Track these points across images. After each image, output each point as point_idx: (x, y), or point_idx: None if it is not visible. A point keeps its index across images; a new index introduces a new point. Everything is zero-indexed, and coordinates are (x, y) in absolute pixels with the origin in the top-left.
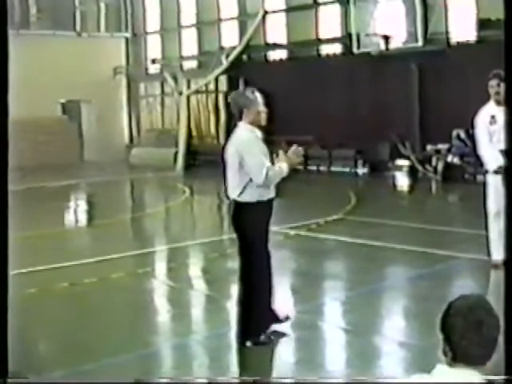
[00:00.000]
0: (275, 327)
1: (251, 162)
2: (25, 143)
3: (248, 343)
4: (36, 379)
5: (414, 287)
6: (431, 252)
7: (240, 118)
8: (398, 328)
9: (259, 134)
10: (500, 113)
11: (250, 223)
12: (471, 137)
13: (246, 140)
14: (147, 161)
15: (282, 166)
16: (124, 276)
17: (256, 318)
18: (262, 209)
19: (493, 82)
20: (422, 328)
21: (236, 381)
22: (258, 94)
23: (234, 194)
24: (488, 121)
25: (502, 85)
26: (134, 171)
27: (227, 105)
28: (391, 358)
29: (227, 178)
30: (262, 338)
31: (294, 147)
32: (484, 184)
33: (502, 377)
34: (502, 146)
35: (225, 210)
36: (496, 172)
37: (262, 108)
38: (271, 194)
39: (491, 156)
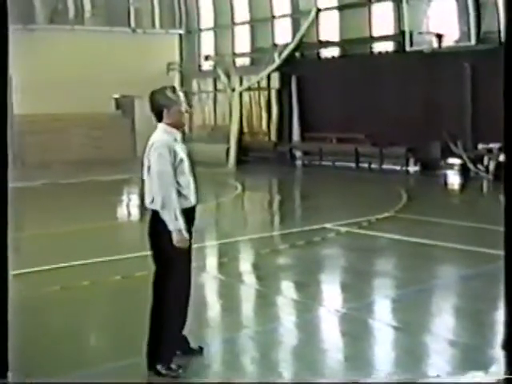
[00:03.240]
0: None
1: (155, 173)
2: (79, 138)
3: (159, 367)
4: (36, 379)
5: (465, 286)
6: (483, 251)
7: (160, 119)
8: (449, 327)
9: (179, 136)
10: None
11: (164, 235)
12: None
13: (157, 146)
14: (199, 156)
15: (178, 224)
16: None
17: (166, 344)
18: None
19: None
20: (473, 327)
21: (237, 381)
22: (180, 93)
23: (147, 200)
24: None
25: None
26: None
27: (280, 102)
28: (441, 356)
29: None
30: (173, 366)
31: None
32: None
33: None
34: None
35: (276, 206)
36: None
37: (185, 107)
38: (190, 201)
39: None
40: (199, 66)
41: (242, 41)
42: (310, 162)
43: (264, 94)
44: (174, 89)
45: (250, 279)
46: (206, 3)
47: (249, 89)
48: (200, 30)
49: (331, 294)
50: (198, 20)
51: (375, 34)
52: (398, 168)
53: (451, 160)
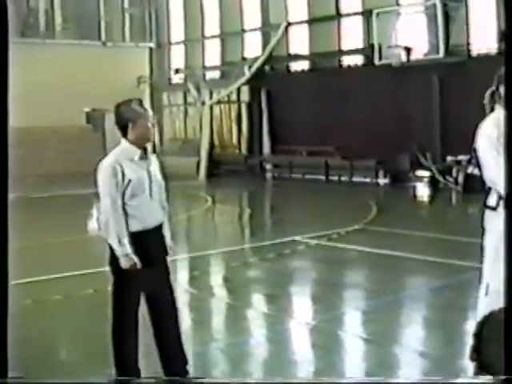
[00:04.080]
0: None
1: (101, 195)
2: (51, 151)
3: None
4: (36, 379)
5: (435, 297)
6: (452, 263)
7: (124, 134)
8: (419, 338)
9: (137, 155)
10: None
11: (116, 260)
12: None
13: (102, 167)
14: (170, 169)
15: (124, 249)
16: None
17: (117, 359)
18: (131, 242)
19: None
20: (443, 338)
21: (237, 381)
22: (146, 107)
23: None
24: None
25: None
26: None
27: (250, 115)
28: (411, 367)
29: None
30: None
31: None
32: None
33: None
34: None
35: (246, 219)
36: None
37: (152, 122)
38: (145, 224)
39: None
40: (169, 79)
41: (212, 54)
42: (280, 174)
43: (234, 108)
44: (140, 102)
45: (220, 292)
46: (177, 17)
47: (219, 102)
48: (170, 43)
49: (302, 307)
50: (168, 33)
51: (344, 47)
52: (367, 180)
53: (420, 172)
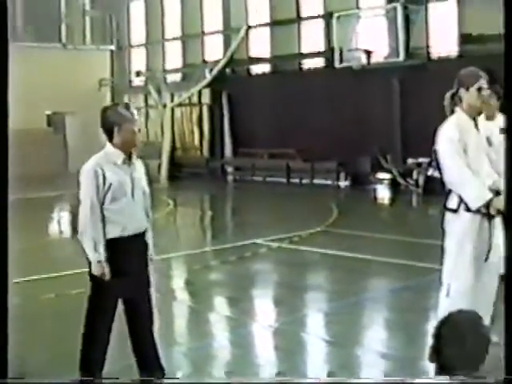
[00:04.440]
0: None
1: (81, 198)
2: (11, 154)
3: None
4: (36, 379)
5: (396, 299)
6: (412, 264)
7: (110, 138)
8: (380, 339)
9: (120, 159)
10: (495, 131)
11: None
12: None
13: (83, 170)
14: None
15: (97, 255)
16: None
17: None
18: (109, 248)
19: (485, 92)
20: (404, 339)
21: (236, 381)
22: (133, 111)
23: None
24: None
25: (495, 98)
26: None
27: (211, 118)
28: (373, 369)
29: None
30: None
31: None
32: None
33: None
34: (495, 175)
35: (208, 222)
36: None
37: (138, 127)
38: (125, 230)
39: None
40: (130, 81)
41: (173, 57)
42: (242, 177)
43: (195, 110)
44: (127, 106)
45: (182, 296)
46: (138, 19)
47: (180, 105)
48: (131, 45)
49: (264, 309)
50: (129, 36)
51: (305, 50)
52: (328, 183)
53: (381, 174)
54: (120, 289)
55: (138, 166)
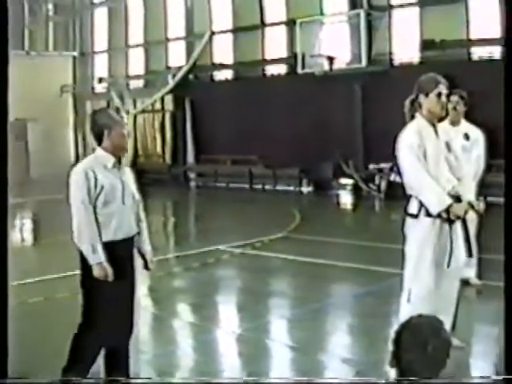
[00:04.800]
0: None
1: (73, 201)
2: None
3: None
4: (36, 379)
5: (359, 304)
6: (375, 269)
7: (99, 142)
8: (343, 345)
9: (111, 162)
10: (457, 137)
11: (85, 267)
12: None
13: (73, 172)
14: None
15: (97, 257)
16: (69, 296)
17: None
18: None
19: (454, 98)
20: (366, 344)
21: (235, 381)
22: (123, 115)
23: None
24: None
25: (462, 104)
26: None
27: (174, 124)
28: (336, 374)
29: None
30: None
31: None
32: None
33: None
34: (455, 181)
35: (170, 228)
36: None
37: (127, 130)
38: (117, 233)
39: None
40: (93, 88)
41: (136, 63)
42: (205, 183)
43: (158, 117)
44: (117, 109)
45: (145, 302)
46: (101, 25)
47: (143, 111)
48: (94, 52)
49: (227, 316)
50: (92, 42)
51: (268, 56)
52: (291, 189)
53: (343, 180)
54: (112, 292)
55: (127, 171)
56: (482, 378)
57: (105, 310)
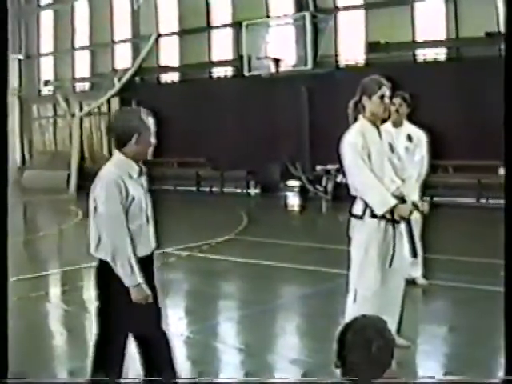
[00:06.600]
0: None
1: (103, 217)
2: None
3: None
4: (36, 379)
5: (306, 305)
6: (322, 270)
7: (123, 145)
8: (291, 345)
9: (135, 170)
10: (400, 138)
11: (113, 288)
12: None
13: (104, 183)
14: (40, 183)
15: (135, 277)
16: (16, 300)
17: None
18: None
19: (396, 100)
20: (314, 345)
21: (234, 381)
22: (151, 120)
23: (92, 246)
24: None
25: (404, 105)
26: (27, 194)
27: None
28: (284, 375)
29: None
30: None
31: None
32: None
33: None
34: (399, 182)
35: None
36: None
37: (154, 138)
38: (142, 248)
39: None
40: (39, 91)
41: (82, 65)
42: (151, 186)
43: (105, 119)
44: (148, 113)
45: (93, 307)
46: (46, 28)
47: (89, 114)
48: (40, 54)
49: (175, 318)
50: (37, 44)
51: (215, 59)
52: (238, 191)
53: (291, 182)
54: (140, 318)
55: (145, 180)
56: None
57: (127, 329)
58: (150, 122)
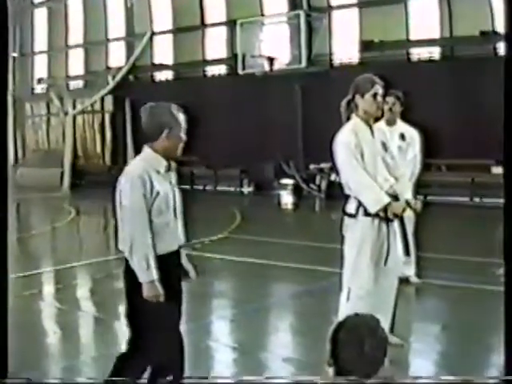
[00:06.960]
0: None
1: (125, 210)
2: None
3: None
4: (36, 379)
5: (299, 304)
6: (315, 269)
7: (154, 139)
8: (284, 344)
9: (163, 166)
10: (393, 137)
11: (135, 287)
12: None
13: (129, 177)
14: (33, 181)
15: (150, 274)
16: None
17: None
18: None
19: (389, 99)
20: (306, 343)
21: (233, 381)
22: (182, 116)
23: (120, 241)
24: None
25: (398, 104)
26: (20, 192)
27: (113, 125)
28: (277, 373)
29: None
30: None
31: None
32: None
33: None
34: (392, 180)
35: (111, 230)
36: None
37: (184, 135)
38: (169, 245)
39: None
40: (32, 89)
41: (76, 63)
42: None
43: (98, 117)
44: (179, 108)
45: (86, 305)
46: (40, 26)
47: (82, 112)
48: (34, 52)
49: None
50: (31, 42)
51: (209, 57)
52: (232, 189)
53: (284, 180)
54: (163, 312)
55: (173, 175)
56: (489, 378)
57: (155, 331)
58: (181, 117)
